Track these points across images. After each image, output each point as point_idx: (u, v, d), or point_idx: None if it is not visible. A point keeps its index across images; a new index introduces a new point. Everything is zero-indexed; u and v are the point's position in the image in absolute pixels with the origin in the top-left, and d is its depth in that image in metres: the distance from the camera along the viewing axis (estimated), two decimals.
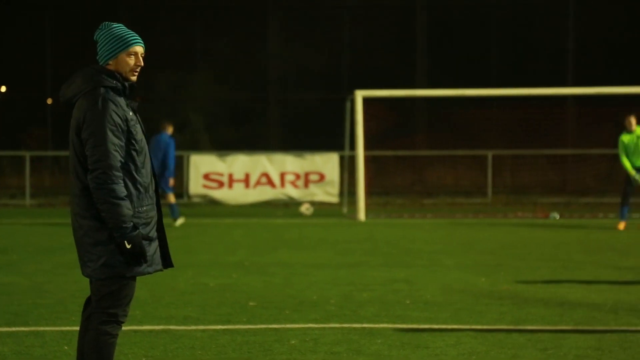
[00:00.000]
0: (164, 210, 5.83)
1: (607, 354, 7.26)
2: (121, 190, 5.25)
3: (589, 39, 35.99)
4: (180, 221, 19.64)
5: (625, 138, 18.07)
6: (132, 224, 5.27)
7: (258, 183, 25.62)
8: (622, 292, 10.35)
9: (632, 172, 17.92)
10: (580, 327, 8.34)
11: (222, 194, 25.75)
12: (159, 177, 19.03)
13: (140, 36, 5.50)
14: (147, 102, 30.71)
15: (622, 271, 12.19)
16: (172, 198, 19.46)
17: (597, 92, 22.70)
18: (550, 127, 26.62)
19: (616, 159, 26.49)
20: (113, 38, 5.41)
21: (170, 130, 19.49)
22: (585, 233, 17.92)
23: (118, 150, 5.27)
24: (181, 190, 26.32)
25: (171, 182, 19.27)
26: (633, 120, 18.08)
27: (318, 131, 32.70)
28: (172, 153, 19.19)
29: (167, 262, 5.59)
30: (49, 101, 34.16)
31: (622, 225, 18.34)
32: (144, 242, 5.35)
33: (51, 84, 33.71)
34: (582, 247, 15.44)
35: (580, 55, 35.99)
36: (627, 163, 17.98)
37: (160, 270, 5.55)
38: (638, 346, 7.52)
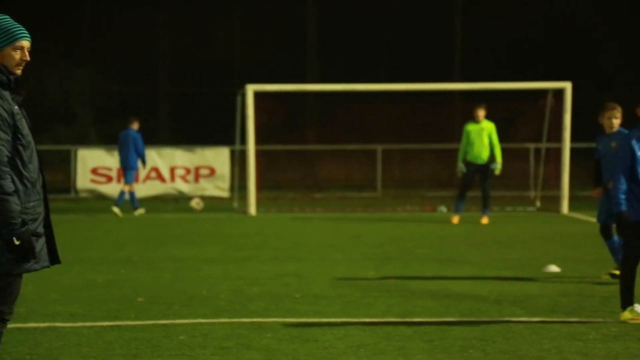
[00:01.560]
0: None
1: (490, 344, 7.43)
2: (9, 185, 5.15)
3: (476, 35, 36.68)
4: (139, 211, 20.86)
5: (470, 127, 18.44)
6: (20, 219, 5.18)
7: (147, 178, 25.34)
8: (505, 284, 10.60)
9: (461, 164, 18.43)
10: (465, 319, 8.52)
11: (110, 189, 25.37)
12: (123, 170, 20.81)
13: (26, 28, 5.40)
14: (33, 96, 30.09)
15: (506, 263, 12.49)
16: (132, 188, 21.01)
17: (483, 87, 23.14)
18: (438, 122, 27.03)
19: (502, 152, 27.08)
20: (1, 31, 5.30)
21: (136, 126, 21.01)
22: (472, 226, 18.26)
23: (5, 145, 5.16)
24: (68, 185, 25.89)
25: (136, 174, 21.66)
26: (481, 112, 18.48)
27: (209, 125, 32.53)
28: (142, 146, 20.81)
29: (54, 258, 5.50)
30: None
31: (456, 219, 18.65)
32: (32, 238, 5.26)
33: None
34: (468, 240, 15.74)
35: (467, 51, 36.64)
36: (461, 154, 18.42)
37: (47, 266, 5.47)
38: (520, 336, 7.71)
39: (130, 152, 20.66)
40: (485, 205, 18.93)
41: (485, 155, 18.47)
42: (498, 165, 18.54)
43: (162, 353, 7.16)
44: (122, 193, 20.85)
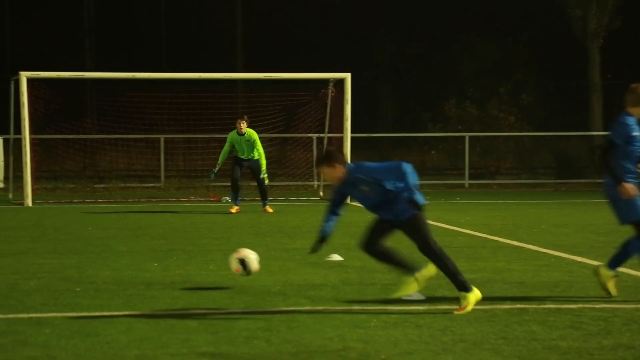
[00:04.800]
0: None
1: (275, 334, 7.44)
2: None
3: (258, 25, 36.90)
4: None
5: (233, 137, 18.71)
6: None
7: None
8: (290, 273, 10.67)
9: (215, 170, 18.90)
10: (250, 309, 8.49)
11: None
12: None
13: None
14: None
15: (290, 253, 12.58)
16: None
17: (265, 77, 23.33)
18: (222, 111, 27.02)
19: (285, 142, 27.40)
20: None
21: None
22: (256, 216, 18.35)
23: None
24: None
25: None
26: (243, 124, 18.68)
27: None
28: None
29: None
30: None
31: (234, 209, 18.94)
32: None
33: None
34: (253, 229, 15.77)
35: (249, 41, 36.80)
36: (221, 159, 18.76)
37: None
38: (304, 325, 7.76)
39: None
40: (263, 197, 19.15)
41: (252, 155, 18.67)
42: (265, 175, 18.76)
43: None
44: None
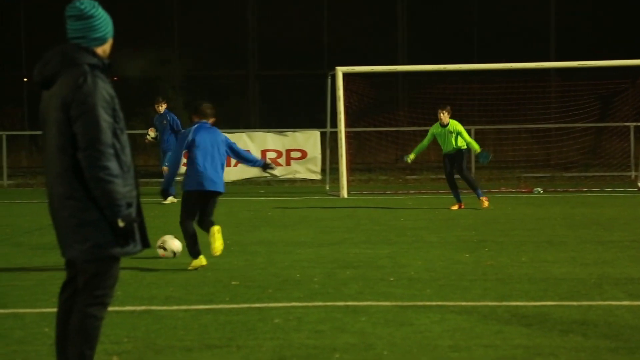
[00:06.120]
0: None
1: (592, 328, 7.22)
2: (115, 167, 5.15)
3: (571, 12, 35.95)
4: (170, 199, 19.94)
5: (436, 130, 17.63)
6: (125, 202, 5.18)
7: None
8: (606, 267, 10.31)
9: (412, 156, 17.86)
10: (564, 302, 8.30)
11: None
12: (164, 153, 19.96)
13: (116, 15, 5.48)
14: (124, 81, 30.47)
15: (606, 245, 12.16)
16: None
17: (580, 65, 22.63)
18: (533, 101, 26.56)
19: (600, 131, 26.54)
20: (107, 21, 5.36)
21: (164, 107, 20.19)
22: (569, 207, 17.88)
23: (109, 128, 5.18)
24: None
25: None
26: (444, 115, 17.55)
27: (299, 108, 32.52)
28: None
29: (144, 242, 5.50)
30: (25, 79, 33.74)
31: (455, 207, 17.81)
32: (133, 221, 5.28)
33: (26, 62, 33.28)
34: (566, 221, 15.39)
35: (562, 29, 35.93)
36: (418, 150, 17.85)
37: (140, 250, 5.46)
38: (622, 320, 7.48)
39: (169, 134, 20.00)
40: (474, 190, 17.82)
41: (453, 147, 17.59)
42: (483, 152, 17.74)
43: (257, 336, 7.13)
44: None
